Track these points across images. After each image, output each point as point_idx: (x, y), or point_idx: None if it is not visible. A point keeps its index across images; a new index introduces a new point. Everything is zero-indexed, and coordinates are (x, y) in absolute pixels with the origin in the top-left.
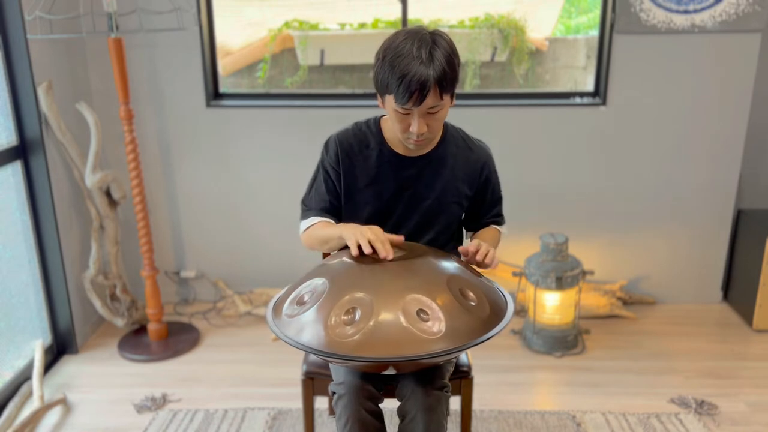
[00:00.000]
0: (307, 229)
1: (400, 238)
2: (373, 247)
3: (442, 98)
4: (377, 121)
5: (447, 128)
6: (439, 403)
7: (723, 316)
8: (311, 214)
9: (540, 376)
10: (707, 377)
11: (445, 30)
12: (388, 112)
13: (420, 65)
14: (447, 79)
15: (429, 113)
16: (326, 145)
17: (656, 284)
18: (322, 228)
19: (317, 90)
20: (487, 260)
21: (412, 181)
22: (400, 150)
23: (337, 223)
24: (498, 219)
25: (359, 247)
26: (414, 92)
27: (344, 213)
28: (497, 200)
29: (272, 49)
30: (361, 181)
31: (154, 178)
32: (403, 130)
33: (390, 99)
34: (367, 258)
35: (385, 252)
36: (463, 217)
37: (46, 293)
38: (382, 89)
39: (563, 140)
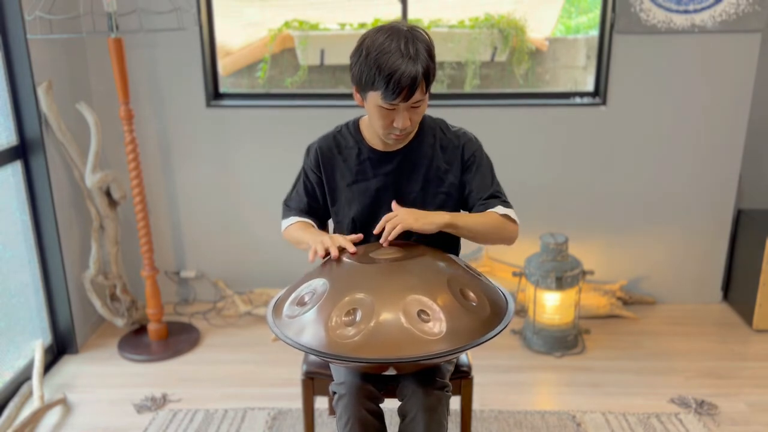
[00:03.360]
0: (286, 228)
1: (359, 236)
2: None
3: (425, 92)
4: (356, 122)
5: (424, 120)
6: (440, 403)
7: (723, 316)
8: (291, 213)
9: (540, 376)
10: (707, 377)
11: (445, 30)
12: (369, 109)
13: (408, 61)
14: (431, 72)
15: (413, 107)
16: (307, 150)
17: (656, 284)
18: (297, 229)
19: (317, 90)
20: (390, 236)
21: (393, 175)
22: (378, 146)
23: (316, 223)
24: (491, 201)
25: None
26: (404, 88)
27: (333, 215)
28: (489, 185)
29: (272, 49)
30: (343, 182)
31: (154, 178)
32: (385, 126)
33: (375, 95)
34: (367, 258)
35: (336, 251)
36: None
37: (46, 293)
38: (366, 86)
39: (563, 140)
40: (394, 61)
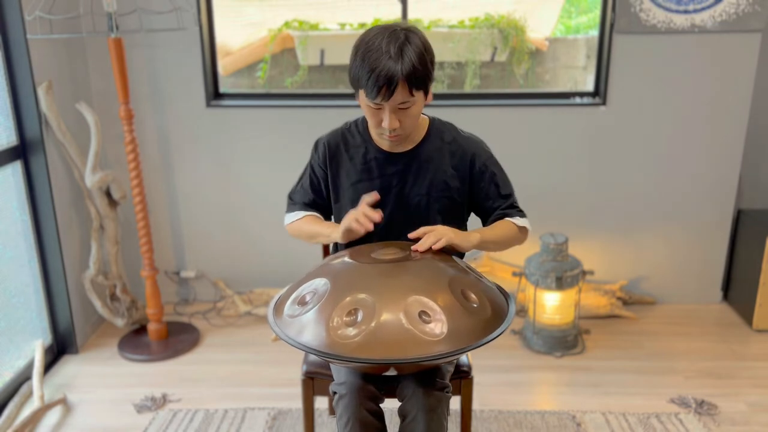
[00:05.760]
0: (293, 221)
1: (375, 196)
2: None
3: (412, 94)
4: (364, 120)
5: (433, 123)
6: (440, 403)
7: (723, 316)
8: (296, 207)
9: (540, 376)
10: (707, 377)
11: (445, 30)
12: (362, 107)
13: (388, 60)
14: (417, 75)
15: (400, 109)
16: (315, 145)
17: (656, 284)
18: (309, 222)
19: (317, 90)
20: (433, 247)
21: (398, 177)
22: (385, 147)
23: (322, 217)
24: (509, 211)
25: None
26: (382, 87)
27: (334, 212)
28: (506, 195)
29: (272, 49)
30: (348, 180)
31: (154, 178)
32: (376, 124)
33: (362, 93)
34: (368, 258)
35: (367, 225)
36: (467, 215)
37: (46, 293)
38: (355, 83)
39: (563, 140)
40: (376, 59)
